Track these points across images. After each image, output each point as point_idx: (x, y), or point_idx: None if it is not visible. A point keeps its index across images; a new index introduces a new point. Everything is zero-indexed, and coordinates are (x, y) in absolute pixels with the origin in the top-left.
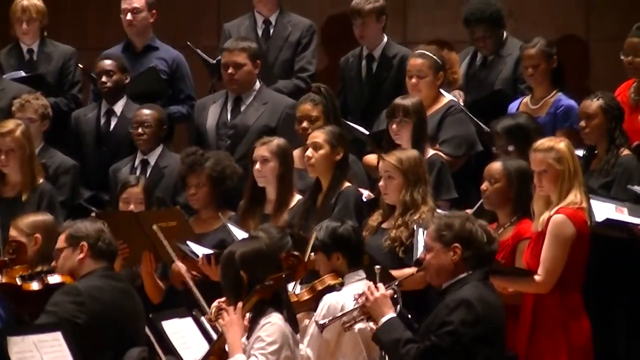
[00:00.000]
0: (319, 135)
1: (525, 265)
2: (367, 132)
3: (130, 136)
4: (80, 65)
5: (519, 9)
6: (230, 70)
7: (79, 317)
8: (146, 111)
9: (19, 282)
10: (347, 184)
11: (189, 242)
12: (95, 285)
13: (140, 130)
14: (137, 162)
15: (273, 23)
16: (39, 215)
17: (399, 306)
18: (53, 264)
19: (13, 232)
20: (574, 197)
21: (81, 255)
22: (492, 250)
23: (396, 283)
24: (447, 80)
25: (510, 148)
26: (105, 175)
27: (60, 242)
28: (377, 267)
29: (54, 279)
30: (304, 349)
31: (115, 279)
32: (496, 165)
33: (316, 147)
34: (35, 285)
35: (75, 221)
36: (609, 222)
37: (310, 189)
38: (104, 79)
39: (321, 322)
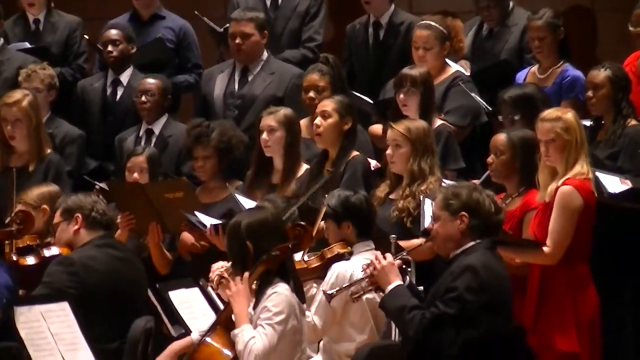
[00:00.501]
0: (328, 104)
1: (532, 235)
2: (371, 102)
3: (136, 105)
4: (86, 36)
5: None
6: (237, 40)
7: (73, 287)
8: (150, 80)
9: (14, 257)
10: (356, 152)
11: (196, 212)
12: (89, 255)
13: (143, 98)
14: (141, 131)
15: None
16: (44, 187)
17: (407, 277)
18: (51, 239)
19: (20, 205)
20: (581, 167)
21: (76, 226)
22: (499, 219)
23: (404, 253)
24: (453, 49)
25: (517, 117)
26: (111, 145)
27: (56, 217)
28: (392, 236)
29: (50, 251)
30: (311, 315)
31: (112, 247)
32: (501, 137)
33: (325, 115)
34: (30, 260)
35: (69, 195)
36: (630, 191)
37: (317, 157)
38: (109, 48)
39: (329, 291)
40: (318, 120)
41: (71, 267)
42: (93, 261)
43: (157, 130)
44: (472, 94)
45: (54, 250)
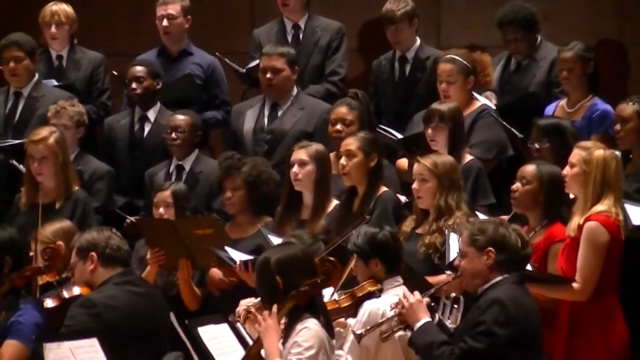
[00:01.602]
0: (351, 143)
1: (560, 270)
2: (399, 136)
3: (164, 142)
4: (115, 72)
5: (554, 13)
6: (268, 75)
7: (96, 328)
8: (180, 117)
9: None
10: (384, 188)
11: (226, 248)
12: (110, 295)
13: (173, 135)
14: (172, 167)
15: (302, 28)
16: (57, 223)
17: (437, 315)
18: (73, 279)
19: (35, 244)
20: (607, 207)
21: (92, 266)
22: (526, 253)
23: (432, 291)
24: (479, 83)
25: (545, 145)
26: (139, 181)
27: (73, 257)
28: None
29: (70, 292)
30: (344, 354)
31: (132, 283)
32: (529, 168)
33: (350, 155)
34: (49, 303)
35: (83, 233)
36: None
37: (345, 194)
38: (134, 85)
39: (358, 332)
40: (343, 160)
41: (93, 309)
42: (114, 300)
43: (187, 167)
44: (503, 122)
45: (74, 291)
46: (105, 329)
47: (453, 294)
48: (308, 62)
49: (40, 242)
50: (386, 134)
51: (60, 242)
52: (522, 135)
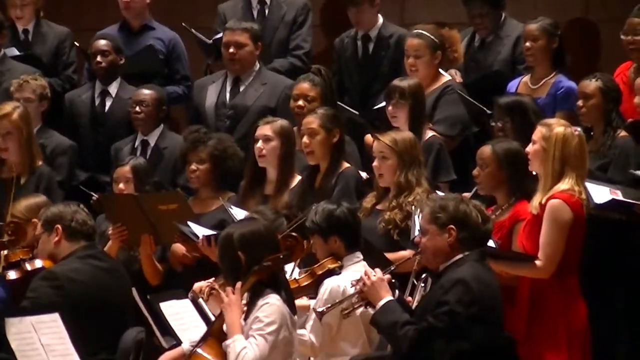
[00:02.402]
0: (312, 121)
1: (521, 247)
2: (356, 112)
3: (128, 116)
4: (77, 44)
5: None
6: (231, 50)
7: (59, 301)
8: (145, 91)
9: None
10: (346, 164)
11: (189, 223)
12: (73, 268)
13: (138, 109)
14: (137, 142)
15: (268, 3)
16: (32, 199)
17: (397, 291)
18: (34, 252)
19: (9, 219)
20: (570, 185)
21: (56, 238)
22: (487, 229)
23: (392, 268)
24: (448, 58)
25: (507, 123)
26: (102, 156)
27: (38, 229)
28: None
29: (32, 265)
30: (307, 334)
31: (96, 257)
32: (486, 150)
33: (312, 133)
34: (12, 275)
35: (50, 205)
36: (614, 202)
37: (307, 170)
38: (98, 58)
39: (319, 309)
40: (306, 138)
41: (56, 281)
42: (77, 273)
43: (152, 142)
44: (469, 98)
45: (37, 264)
46: (67, 302)
47: (423, 275)
48: (274, 36)
49: (14, 218)
50: (345, 108)
51: (36, 220)
52: (490, 112)
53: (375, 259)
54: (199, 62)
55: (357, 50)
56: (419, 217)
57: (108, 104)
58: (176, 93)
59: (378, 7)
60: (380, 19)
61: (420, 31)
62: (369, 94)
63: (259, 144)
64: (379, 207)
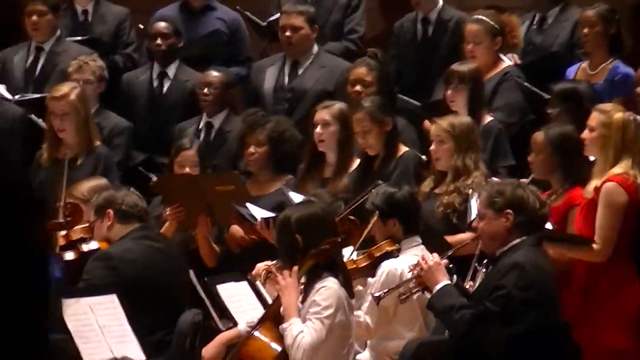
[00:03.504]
0: (363, 118)
1: (577, 231)
2: (418, 104)
3: (185, 98)
4: (141, 26)
5: None
6: (287, 33)
7: (114, 281)
8: (214, 73)
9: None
10: (405, 148)
11: (248, 205)
12: (127, 248)
13: (205, 91)
14: (201, 124)
15: None
16: (93, 181)
17: (454, 276)
18: (87, 232)
19: (70, 199)
20: (625, 169)
21: (109, 222)
22: (544, 214)
23: (450, 252)
24: (507, 44)
25: (560, 110)
26: (159, 137)
27: (91, 215)
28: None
29: (89, 246)
30: (362, 315)
31: (150, 238)
32: (539, 136)
33: (365, 131)
34: (69, 255)
35: (100, 192)
36: None
37: (364, 155)
38: (158, 40)
39: (376, 294)
40: (360, 138)
41: (110, 262)
42: (131, 253)
43: (216, 124)
44: (527, 85)
45: (92, 245)
46: (122, 282)
47: (485, 261)
48: (327, 20)
49: (75, 198)
50: (406, 99)
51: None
52: (548, 96)
53: (434, 243)
54: (255, 45)
55: (416, 33)
56: (475, 201)
57: (166, 85)
58: (240, 75)
59: None
60: (440, 2)
61: (479, 17)
62: (426, 77)
63: (318, 129)
64: (436, 190)
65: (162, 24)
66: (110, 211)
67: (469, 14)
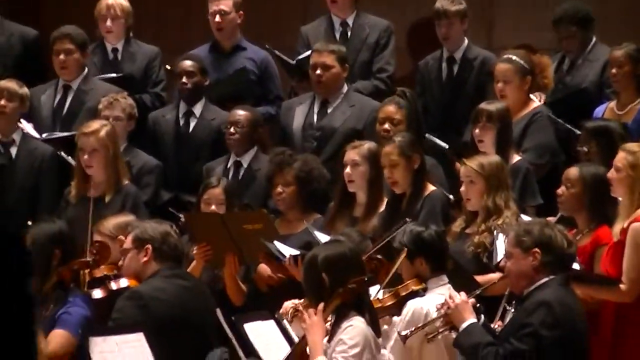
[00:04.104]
0: (391, 151)
1: (604, 272)
2: (446, 146)
3: (211, 137)
4: (168, 67)
5: (607, 15)
6: (318, 72)
7: (144, 320)
8: (240, 112)
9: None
10: (432, 187)
11: (276, 242)
12: (157, 287)
13: (232, 130)
14: (230, 163)
15: (350, 25)
16: (121, 217)
17: (482, 316)
18: (120, 262)
19: (97, 236)
20: None
21: (145, 258)
22: (572, 253)
23: (478, 291)
24: (538, 84)
25: (592, 148)
26: (185, 176)
27: (127, 243)
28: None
29: (117, 284)
30: (387, 354)
31: (180, 277)
32: (573, 171)
33: (393, 165)
34: (97, 294)
35: (143, 222)
36: None
37: (392, 194)
38: (184, 79)
39: (403, 333)
40: (387, 171)
41: (140, 301)
42: (161, 293)
43: (245, 163)
44: (559, 120)
45: (122, 283)
46: (152, 321)
47: (514, 302)
48: (356, 59)
49: (102, 235)
50: (434, 140)
51: (122, 237)
52: (579, 132)
53: (463, 281)
54: (284, 83)
55: (441, 72)
56: (503, 240)
57: (192, 124)
58: (269, 113)
59: (465, 27)
60: (466, 41)
61: (510, 56)
62: (452, 116)
63: (348, 169)
64: (467, 230)
65: (187, 63)
66: (150, 247)
67: (498, 53)
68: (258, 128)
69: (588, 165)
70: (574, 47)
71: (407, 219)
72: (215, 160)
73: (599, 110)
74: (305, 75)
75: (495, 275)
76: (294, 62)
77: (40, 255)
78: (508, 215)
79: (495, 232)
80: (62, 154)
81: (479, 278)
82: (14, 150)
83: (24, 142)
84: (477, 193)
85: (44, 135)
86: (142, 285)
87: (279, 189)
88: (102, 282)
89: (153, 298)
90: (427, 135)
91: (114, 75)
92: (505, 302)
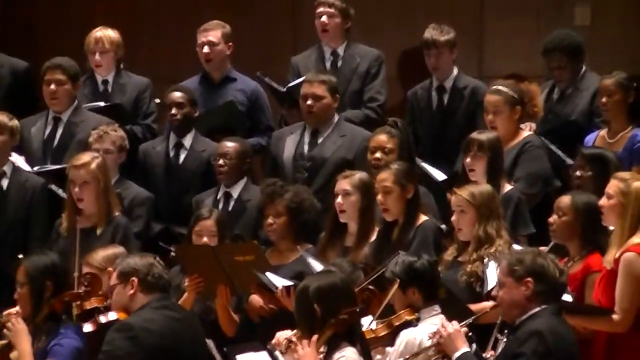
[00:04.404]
0: (386, 178)
1: (596, 302)
2: (438, 177)
3: (202, 168)
4: (157, 100)
5: (596, 44)
6: (309, 102)
7: (135, 353)
8: (228, 143)
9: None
10: (424, 217)
11: (267, 273)
12: (147, 318)
13: (221, 162)
14: (220, 194)
15: (341, 54)
16: (110, 249)
17: (474, 345)
18: (108, 301)
19: (86, 268)
20: None
21: (132, 291)
22: (564, 282)
23: (470, 320)
24: (527, 113)
25: (588, 173)
26: (175, 208)
27: (113, 279)
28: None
29: (107, 317)
30: None
31: (169, 308)
32: (565, 199)
33: (386, 191)
34: (87, 327)
35: (126, 256)
36: None
37: (383, 224)
38: (173, 111)
39: None
40: (380, 197)
41: (130, 332)
42: (151, 324)
43: (235, 194)
44: (551, 146)
45: (111, 316)
46: (143, 352)
47: (506, 330)
48: (347, 88)
49: (91, 267)
50: (426, 168)
51: (111, 269)
52: (571, 162)
53: (456, 310)
54: (275, 112)
55: (431, 101)
56: (495, 269)
57: (182, 156)
58: (260, 144)
59: (455, 56)
60: (455, 70)
61: (498, 87)
62: (443, 145)
63: (339, 199)
64: (460, 259)
65: (177, 94)
66: (135, 280)
67: (489, 81)
68: (247, 159)
69: (580, 194)
70: (565, 77)
71: (400, 252)
72: (205, 192)
73: (589, 139)
74: (295, 103)
75: (488, 304)
76: (285, 89)
77: (32, 287)
78: (500, 243)
79: (485, 260)
80: (53, 186)
81: (472, 306)
82: (4, 183)
83: (14, 174)
84: (468, 222)
85: (35, 169)
86: (132, 317)
87: (270, 220)
88: (92, 314)
89: (143, 329)
90: (418, 160)
91: (102, 104)
92: (497, 331)
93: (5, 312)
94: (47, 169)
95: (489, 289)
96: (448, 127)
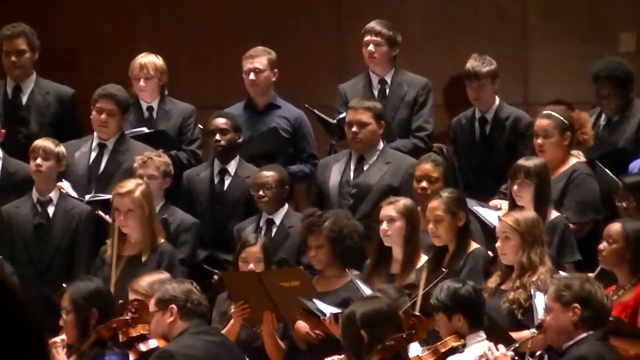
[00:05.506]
0: (437, 207)
1: None
2: (491, 223)
3: (246, 195)
4: (200, 126)
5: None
6: (354, 129)
7: None
8: (267, 173)
9: None
10: (475, 245)
11: (314, 300)
12: (187, 344)
13: (261, 192)
14: (262, 221)
15: (388, 82)
16: (155, 275)
17: None
18: (148, 327)
19: (132, 294)
20: None
21: (171, 318)
22: (610, 309)
23: (516, 344)
24: (577, 140)
25: (632, 203)
26: (220, 234)
27: (151, 306)
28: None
29: (147, 345)
30: None
31: (207, 333)
32: (615, 226)
33: (437, 220)
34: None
35: (164, 283)
36: None
37: (434, 251)
38: (217, 137)
39: None
40: (432, 226)
41: (171, 359)
42: (191, 349)
43: (277, 221)
44: (605, 169)
45: (151, 344)
46: None
47: (538, 353)
48: (395, 116)
49: (137, 293)
50: (479, 213)
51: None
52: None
53: (498, 338)
54: (323, 142)
55: (474, 132)
56: (543, 298)
57: (227, 182)
58: (303, 172)
59: (497, 86)
60: (497, 100)
61: (549, 112)
62: (484, 174)
63: (384, 225)
64: (503, 287)
65: (220, 120)
66: (174, 307)
67: (533, 108)
68: (286, 186)
69: (630, 221)
70: (614, 105)
71: (443, 269)
72: (246, 220)
73: (634, 165)
74: (345, 134)
75: (530, 332)
76: (335, 121)
77: (77, 314)
78: (542, 271)
79: (532, 291)
80: (100, 212)
81: (514, 334)
82: (51, 210)
83: (61, 200)
84: (512, 249)
85: (87, 197)
86: (172, 344)
87: (312, 252)
88: (137, 340)
89: (184, 355)
90: (470, 203)
91: (145, 129)
92: (528, 356)
93: (50, 341)
94: (98, 198)
95: (539, 320)
96: (490, 158)
